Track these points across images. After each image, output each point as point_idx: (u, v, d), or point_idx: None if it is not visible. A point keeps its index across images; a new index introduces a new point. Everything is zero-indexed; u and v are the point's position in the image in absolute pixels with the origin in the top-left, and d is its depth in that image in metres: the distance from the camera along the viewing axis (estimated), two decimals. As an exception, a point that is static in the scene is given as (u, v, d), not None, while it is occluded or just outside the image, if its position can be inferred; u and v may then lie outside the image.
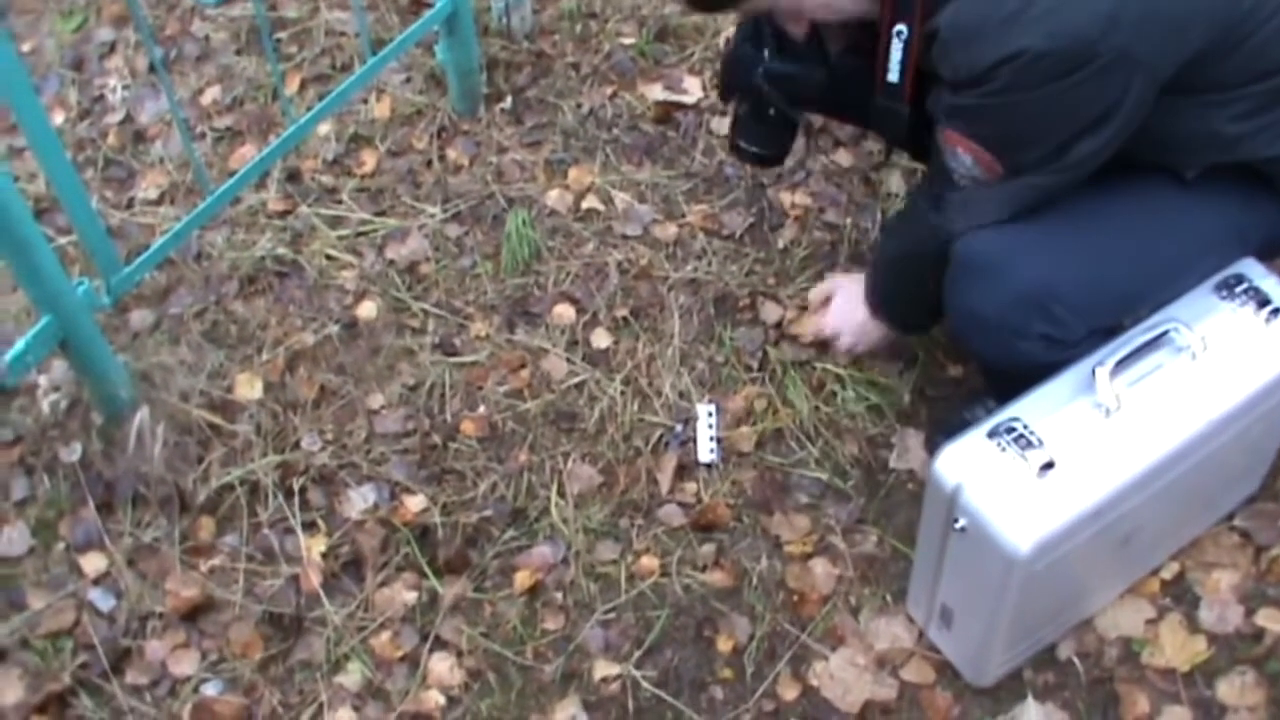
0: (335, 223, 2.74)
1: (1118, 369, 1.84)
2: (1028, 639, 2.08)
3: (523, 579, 2.26)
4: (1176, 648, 2.15)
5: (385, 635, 2.21)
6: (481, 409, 2.46)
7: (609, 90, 2.96)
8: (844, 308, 2.32)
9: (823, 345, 2.51)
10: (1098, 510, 1.81)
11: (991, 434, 1.84)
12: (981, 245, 1.91)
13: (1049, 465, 1.80)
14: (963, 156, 1.83)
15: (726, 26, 3.03)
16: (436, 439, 2.42)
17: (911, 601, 2.18)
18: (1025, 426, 1.83)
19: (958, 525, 1.85)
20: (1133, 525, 1.93)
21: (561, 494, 2.36)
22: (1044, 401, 1.88)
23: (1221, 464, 2.01)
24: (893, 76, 1.92)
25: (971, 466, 1.83)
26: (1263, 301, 1.91)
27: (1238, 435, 1.94)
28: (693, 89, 2.94)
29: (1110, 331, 1.91)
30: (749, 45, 2.18)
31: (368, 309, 2.60)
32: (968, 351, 2.30)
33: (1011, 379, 1.94)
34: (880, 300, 2.26)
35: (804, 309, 2.55)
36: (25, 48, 3.15)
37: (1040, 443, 1.81)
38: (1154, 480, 1.85)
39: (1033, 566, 1.80)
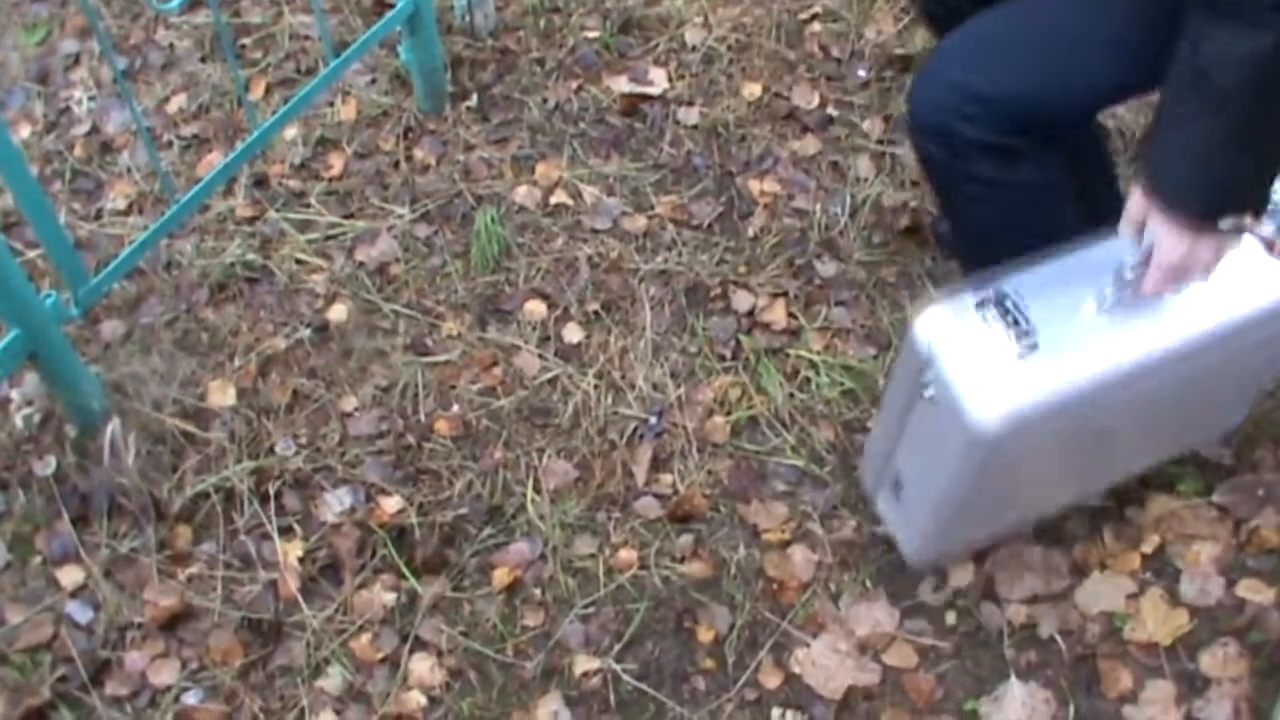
0: (304, 226, 2.73)
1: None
2: (978, 525, 2.03)
3: (501, 576, 2.25)
4: (1158, 622, 2.15)
5: (365, 637, 2.20)
6: (455, 408, 2.46)
7: (574, 84, 2.95)
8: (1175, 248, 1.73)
9: (795, 332, 2.51)
10: (1074, 401, 1.75)
11: (980, 305, 1.78)
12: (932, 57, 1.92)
13: (1032, 347, 1.73)
14: None
15: (690, 16, 3.04)
16: (411, 439, 2.41)
17: (864, 467, 2.14)
18: (1016, 305, 1.76)
19: (926, 393, 1.79)
20: (1109, 425, 1.88)
21: (537, 490, 2.35)
22: (1042, 282, 1.80)
23: (1210, 384, 1.96)
24: None
25: (952, 335, 1.77)
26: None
27: (1231, 356, 1.88)
28: (658, 80, 2.94)
29: (1046, 139, 1.87)
30: None
31: (339, 312, 2.60)
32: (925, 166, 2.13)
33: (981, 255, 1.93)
34: (1226, 191, 1.66)
35: (776, 296, 2.55)
36: (-11, 62, 3.14)
37: (1028, 323, 1.75)
38: (1138, 382, 1.78)
39: (997, 447, 1.74)
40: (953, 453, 1.81)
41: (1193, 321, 1.81)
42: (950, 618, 2.19)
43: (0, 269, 2.04)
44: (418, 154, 2.85)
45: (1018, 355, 1.73)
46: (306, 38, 3.06)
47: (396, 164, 2.84)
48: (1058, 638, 2.15)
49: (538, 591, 2.25)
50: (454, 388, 2.49)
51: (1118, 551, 2.23)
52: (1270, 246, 1.66)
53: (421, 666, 2.17)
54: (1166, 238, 1.66)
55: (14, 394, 2.42)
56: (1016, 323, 1.75)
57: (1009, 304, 1.77)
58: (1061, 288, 1.80)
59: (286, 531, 2.31)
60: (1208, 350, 1.84)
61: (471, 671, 2.17)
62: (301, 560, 2.28)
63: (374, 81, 2.98)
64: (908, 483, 1.99)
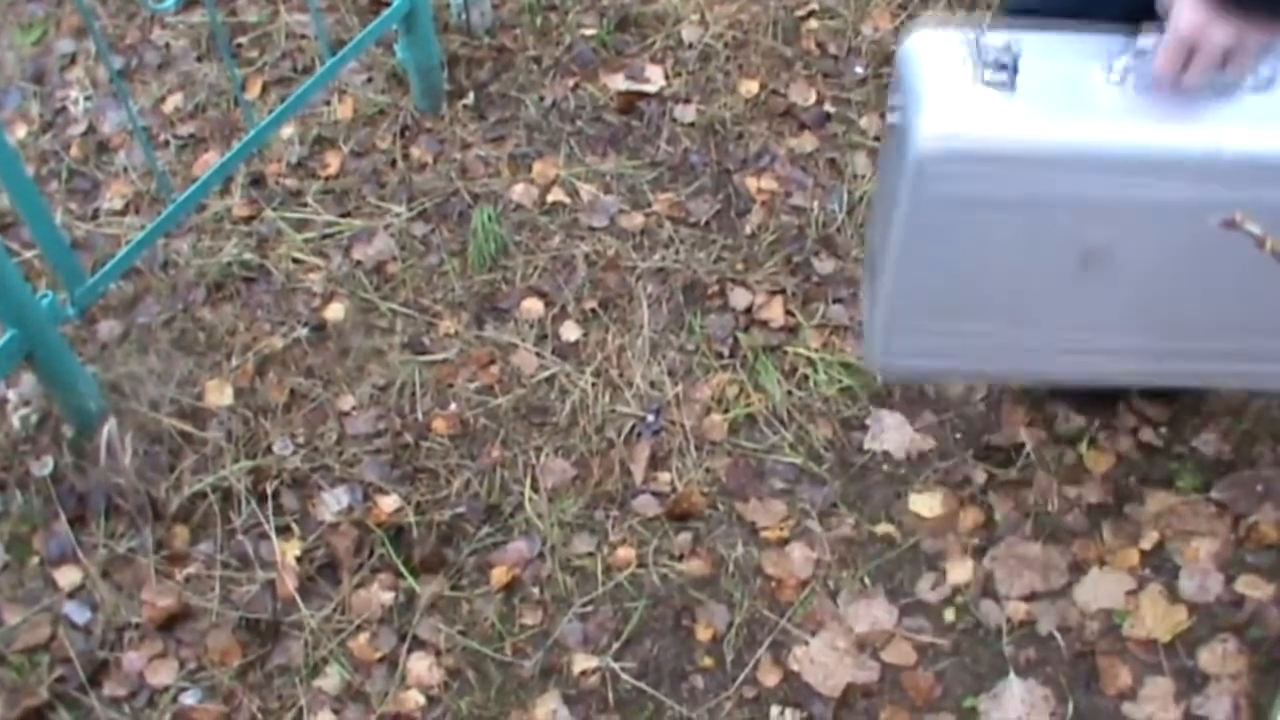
0: (301, 225, 2.73)
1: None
2: (946, 329, 1.84)
3: (499, 575, 2.25)
4: (1157, 618, 2.15)
5: (363, 637, 2.20)
6: (452, 406, 2.45)
7: (571, 82, 2.95)
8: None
9: (793, 329, 2.51)
10: (1037, 164, 1.59)
11: (972, 40, 1.61)
12: None
13: (1008, 86, 1.58)
14: None
15: (687, 14, 3.03)
16: (408, 438, 2.40)
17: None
18: (1010, 48, 1.59)
19: (891, 118, 1.67)
20: (1094, 237, 1.68)
21: (535, 488, 2.35)
22: (1056, 41, 1.62)
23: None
24: None
25: (931, 60, 1.62)
26: None
27: None
28: (655, 78, 2.93)
29: None
30: None
31: (336, 311, 2.59)
32: None
33: None
34: None
35: (774, 294, 2.55)
36: (-15, 62, 3.14)
37: (1014, 66, 1.58)
38: (1133, 182, 1.60)
39: (939, 180, 1.60)
40: (901, 191, 1.65)
41: (1228, 138, 1.58)
42: (949, 615, 2.19)
43: (-4, 270, 2.04)
44: (414, 152, 2.84)
45: (991, 88, 1.58)
46: (303, 36, 3.05)
47: (393, 162, 2.83)
48: (1057, 634, 2.14)
49: (536, 590, 2.24)
50: (451, 386, 2.48)
51: (1116, 548, 2.22)
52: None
53: (420, 666, 2.17)
54: (1184, 3, 1.51)
55: (11, 394, 2.42)
56: (1001, 60, 1.59)
57: (1003, 45, 1.60)
58: (1076, 52, 1.62)
59: (284, 531, 2.31)
60: (1243, 186, 1.59)
61: (470, 670, 2.17)
62: (299, 560, 2.27)
63: (370, 80, 2.97)
64: (875, 256, 1.81)
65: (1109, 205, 1.65)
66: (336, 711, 2.13)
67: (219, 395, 2.47)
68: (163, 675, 2.17)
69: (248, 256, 2.67)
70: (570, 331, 2.55)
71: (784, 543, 2.28)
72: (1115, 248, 1.71)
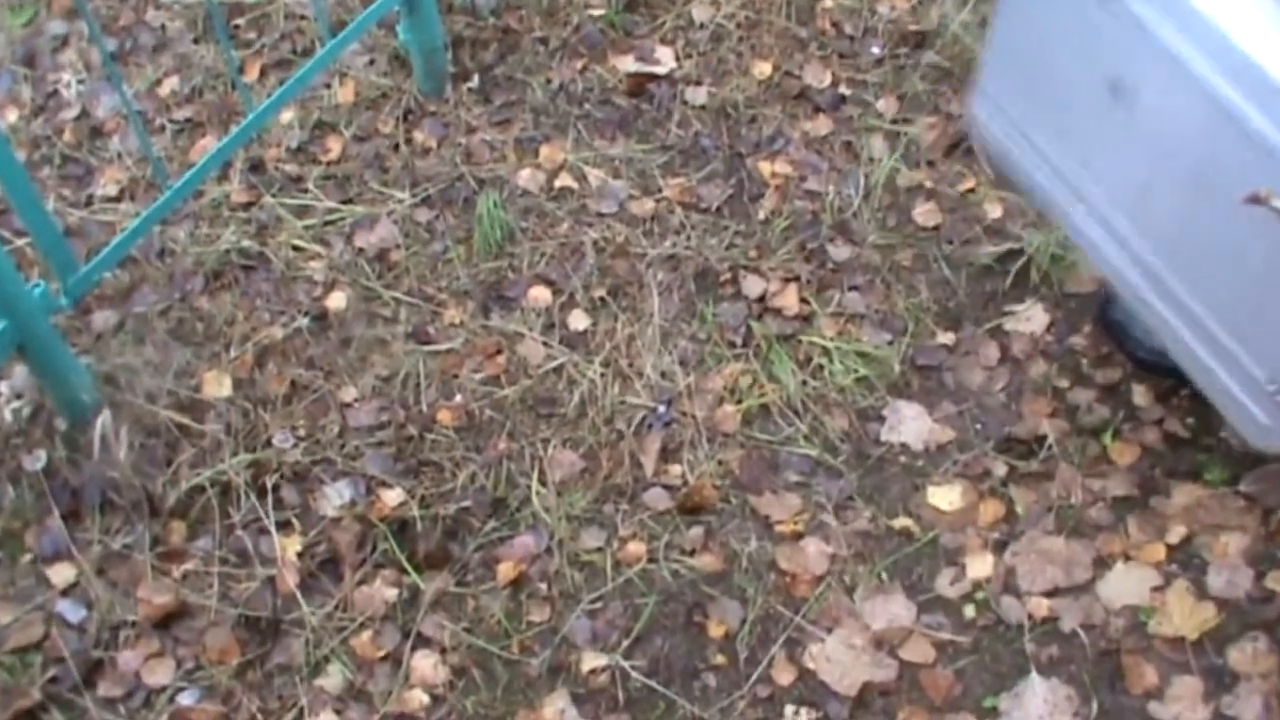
0: (301, 212, 2.70)
1: None
2: (1017, 102, 2.07)
3: (506, 571, 2.23)
4: (1185, 615, 2.12)
5: (366, 635, 2.17)
6: (458, 398, 2.43)
7: (579, 64, 2.92)
8: None
9: (808, 318, 2.48)
10: None
11: None
12: None
13: None
14: None
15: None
16: (412, 430, 2.38)
17: None
18: None
19: None
20: (1127, 66, 1.81)
21: (543, 481, 2.32)
22: None
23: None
24: None
25: None
26: None
27: None
28: (665, 59, 2.91)
29: None
30: None
31: (337, 300, 2.57)
32: None
33: None
34: None
35: (787, 281, 2.51)
36: (-25, 45, 3.11)
37: None
38: (1173, 17, 1.71)
39: None
40: None
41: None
42: (969, 611, 2.16)
43: (-15, 259, 2.01)
44: (418, 137, 2.82)
45: None
46: (302, 17, 3.02)
47: (396, 147, 2.80)
48: (1080, 632, 2.12)
49: (543, 586, 2.22)
50: (456, 377, 2.46)
51: (1142, 542, 2.20)
52: None
53: (424, 664, 2.15)
54: None
55: (3, 387, 2.40)
56: None
57: None
58: None
59: (284, 526, 2.28)
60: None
61: (475, 669, 2.14)
62: (300, 555, 2.25)
63: (372, 62, 2.94)
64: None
65: (1148, 37, 1.75)
66: (338, 711, 2.11)
67: (217, 387, 2.44)
68: (160, 675, 2.15)
69: (246, 244, 2.64)
70: (578, 320, 2.52)
71: (798, 537, 2.25)
72: (1138, 90, 1.82)
